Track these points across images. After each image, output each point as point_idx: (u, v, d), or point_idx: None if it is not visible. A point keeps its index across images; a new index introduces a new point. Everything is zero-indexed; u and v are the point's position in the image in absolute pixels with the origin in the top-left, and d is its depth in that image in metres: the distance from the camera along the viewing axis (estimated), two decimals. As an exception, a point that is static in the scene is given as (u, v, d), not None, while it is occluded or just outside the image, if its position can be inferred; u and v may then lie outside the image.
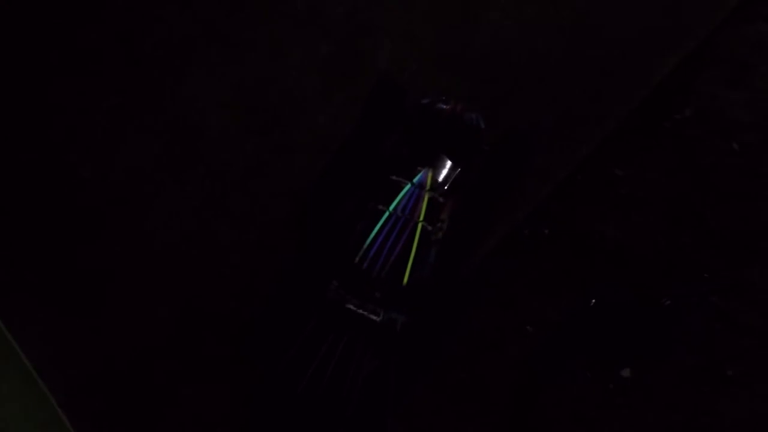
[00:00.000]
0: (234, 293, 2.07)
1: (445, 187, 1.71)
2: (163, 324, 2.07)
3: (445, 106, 1.82)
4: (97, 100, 2.17)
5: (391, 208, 1.64)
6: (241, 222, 2.11)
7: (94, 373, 2.06)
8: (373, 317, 1.60)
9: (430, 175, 1.67)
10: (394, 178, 1.68)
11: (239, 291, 2.07)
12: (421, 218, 1.63)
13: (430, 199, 1.65)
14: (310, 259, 1.93)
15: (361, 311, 1.61)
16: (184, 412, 2.04)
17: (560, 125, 2.07)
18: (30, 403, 2.02)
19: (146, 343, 2.06)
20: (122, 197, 2.12)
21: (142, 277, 2.08)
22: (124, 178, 2.13)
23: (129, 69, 2.17)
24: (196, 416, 2.04)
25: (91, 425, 2.00)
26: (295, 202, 2.08)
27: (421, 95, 1.88)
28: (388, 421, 1.60)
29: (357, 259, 1.60)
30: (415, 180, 1.67)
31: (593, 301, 1.98)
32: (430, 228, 1.63)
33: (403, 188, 1.66)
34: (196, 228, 2.11)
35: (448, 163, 1.75)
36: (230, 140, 2.15)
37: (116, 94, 2.18)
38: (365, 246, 1.60)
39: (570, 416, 1.95)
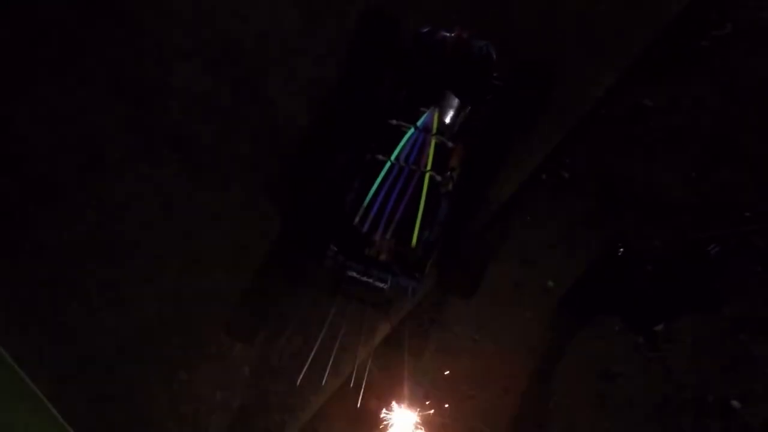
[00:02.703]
0: (221, 269, 1.88)
1: (455, 130, 1.46)
2: (150, 309, 1.89)
3: (448, 34, 1.53)
4: (49, 61, 1.88)
5: (393, 157, 1.38)
6: (220, 189, 1.88)
7: (83, 363, 1.90)
8: (380, 285, 1.40)
9: (436, 115, 1.41)
10: (393, 122, 1.42)
11: (226, 267, 1.87)
12: (429, 167, 1.38)
13: (437, 145, 1.40)
14: (301, 223, 1.71)
15: (365, 279, 1.40)
16: (180, 397, 1.89)
17: (580, 50, 1.79)
18: (17, 398, 1.88)
19: (134, 331, 1.89)
20: (85, 170, 1.89)
21: (123, 260, 1.88)
22: (85, 150, 1.88)
23: (81, 22, 1.87)
24: (192, 400, 1.89)
25: (81, 411, 1.86)
26: (280, 160, 1.85)
27: (419, 24, 1.59)
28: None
29: (357, 219, 1.37)
30: (418, 123, 1.41)
31: (621, 250, 1.78)
32: (439, 178, 1.40)
33: (405, 133, 1.40)
34: (171, 199, 1.87)
35: (456, 102, 1.49)
36: (199, 95, 1.87)
37: (69, 52, 1.88)
38: (365, 204, 1.37)
39: (597, 372, 1.81)
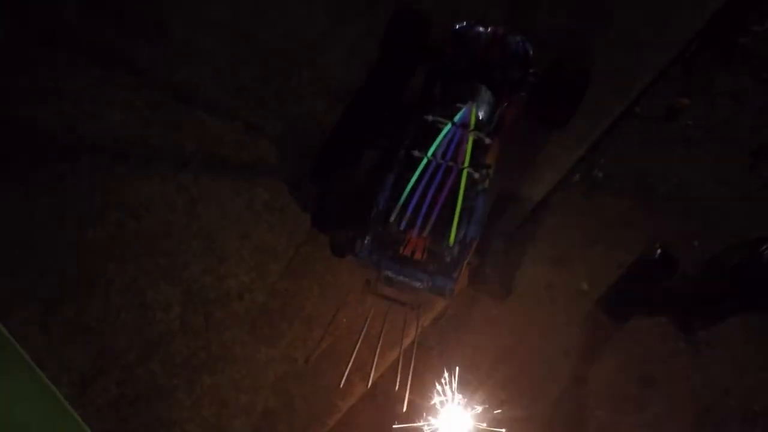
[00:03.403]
0: (245, 270, 1.85)
1: (491, 126, 1.42)
2: (173, 311, 1.86)
3: (483, 30, 1.50)
4: (73, 60, 1.88)
5: (430, 153, 1.34)
6: (245, 189, 1.86)
7: (105, 365, 1.88)
8: (417, 284, 1.35)
9: (473, 111, 1.37)
10: (429, 118, 1.39)
11: (250, 268, 1.84)
12: (466, 164, 1.34)
13: (474, 141, 1.36)
14: (330, 223, 1.67)
15: (401, 278, 1.36)
16: (203, 401, 1.85)
17: (615, 47, 1.75)
18: (37, 399, 1.85)
19: (157, 333, 1.86)
20: (112, 167, 1.88)
21: (145, 260, 1.86)
22: (107, 149, 1.88)
23: (105, 24, 1.87)
24: (215, 404, 1.85)
25: (102, 414, 1.83)
26: (306, 160, 1.82)
27: (452, 20, 1.56)
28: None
29: (393, 217, 1.33)
30: (455, 118, 1.37)
31: (658, 251, 1.72)
32: (476, 175, 1.35)
33: (441, 129, 1.36)
34: (193, 199, 1.86)
35: (491, 98, 1.45)
36: (226, 93, 1.85)
37: (92, 52, 1.88)
38: (401, 201, 1.33)
39: (635, 377, 1.75)
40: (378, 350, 1.33)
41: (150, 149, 1.87)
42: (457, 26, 1.52)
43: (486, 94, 1.45)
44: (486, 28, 1.50)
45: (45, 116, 1.88)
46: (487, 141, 1.39)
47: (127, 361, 1.88)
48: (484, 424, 1.26)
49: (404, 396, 1.30)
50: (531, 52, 1.50)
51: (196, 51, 1.85)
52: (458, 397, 1.33)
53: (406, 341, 1.53)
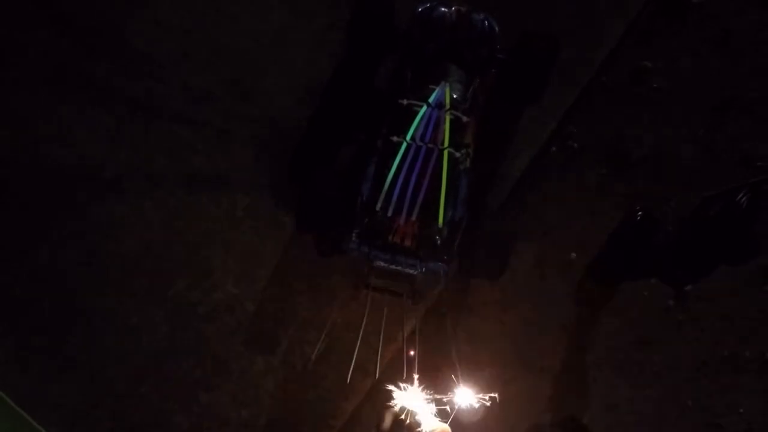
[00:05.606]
0: (232, 280, 1.80)
1: (466, 104, 1.42)
2: (161, 332, 1.79)
3: (446, 11, 1.50)
4: (29, 78, 1.79)
5: (409, 136, 1.33)
6: (224, 196, 1.81)
7: (95, 398, 1.79)
8: (410, 271, 1.34)
9: (447, 90, 1.37)
10: (404, 102, 1.37)
11: (237, 277, 1.79)
12: (446, 144, 1.33)
13: (452, 120, 1.35)
14: (313, 220, 1.64)
15: (394, 267, 1.34)
16: (202, 421, 1.79)
17: (576, 18, 1.78)
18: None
19: (146, 357, 1.78)
20: (81, 189, 1.80)
21: (127, 282, 1.78)
22: (79, 169, 1.80)
23: (64, 37, 1.78)
24: (216, 423, 1.79)
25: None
26: (283, 160, 1.78)
27: (415, 3, 1.56)
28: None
29: (378, 205, 1.31)
30: (430, 99, 1.36)
31: (639, 214, 1.76)
32: (457, 155, 1.35)
33: (417, 112, 1.35)
34: (171, 213, 1.79)
35: (464, 76, 1.45)
36: (192, 101, 1.79)
37: (50, 68, 1.78)
38: (386, 188, 1.31)
39: (631, 341, 1.77)
40: (381, 339, 1.30)
41: (119, 166, 1.80)
42: (420, 9, 1.51)
43: (457, 73, 1.44)
44: (449, 8, 1.50)
45: (1, 142, 1.79)
46: (465, 119, 1.38)
47: (118, 390, 1.80)
48: (490, 403, 1.25)
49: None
50: (496, 29, 1.51)
51: (157, 60, 1.79)
52: (463, 380, 1.32)
53: (407, 331, 1.51)
